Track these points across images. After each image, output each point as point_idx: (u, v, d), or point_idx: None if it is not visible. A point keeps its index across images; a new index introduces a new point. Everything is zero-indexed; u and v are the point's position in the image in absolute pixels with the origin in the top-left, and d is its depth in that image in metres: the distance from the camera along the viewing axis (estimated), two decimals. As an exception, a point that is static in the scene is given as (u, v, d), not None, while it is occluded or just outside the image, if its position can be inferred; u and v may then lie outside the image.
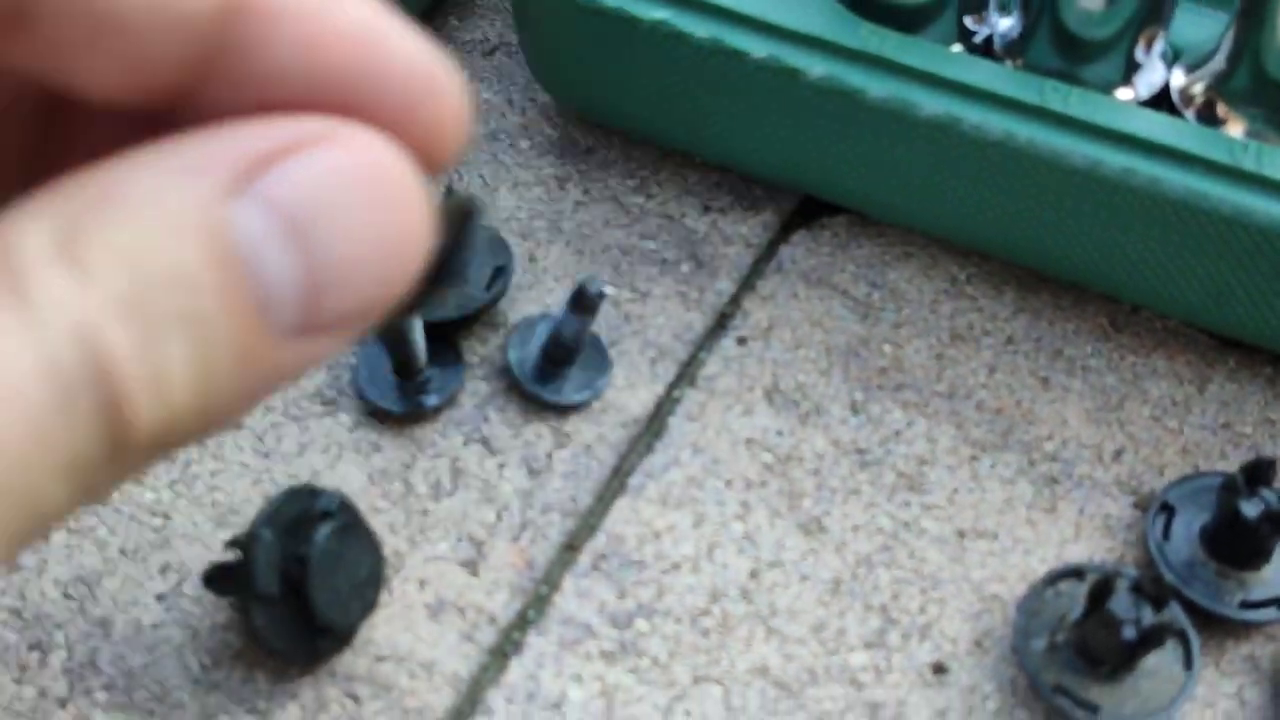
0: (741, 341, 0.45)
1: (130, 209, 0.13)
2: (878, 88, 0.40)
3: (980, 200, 0.42)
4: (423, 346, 0.42)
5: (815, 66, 0.40)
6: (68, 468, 0.13)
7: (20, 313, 0.12)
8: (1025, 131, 0.39)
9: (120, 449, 0.13)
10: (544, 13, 0.44)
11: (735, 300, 0.45)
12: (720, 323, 0.45)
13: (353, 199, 0.14)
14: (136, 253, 0.13)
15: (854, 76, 0.40)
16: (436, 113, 0.15)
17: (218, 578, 0.37)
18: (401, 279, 0.15)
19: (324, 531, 0.36)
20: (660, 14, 0.42)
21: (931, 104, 0.40)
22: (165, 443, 0.14)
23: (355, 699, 0.38)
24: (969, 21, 0.43)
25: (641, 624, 0.39)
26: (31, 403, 0.12)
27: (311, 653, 0.37)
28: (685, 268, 0.46)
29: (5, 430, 0.12)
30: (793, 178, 0.45)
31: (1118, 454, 0.42)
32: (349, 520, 0.37)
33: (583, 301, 0.41)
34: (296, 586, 0.36)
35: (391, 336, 0.42)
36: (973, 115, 0.40)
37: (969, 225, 0.43)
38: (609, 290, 0.45)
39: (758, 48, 0.41)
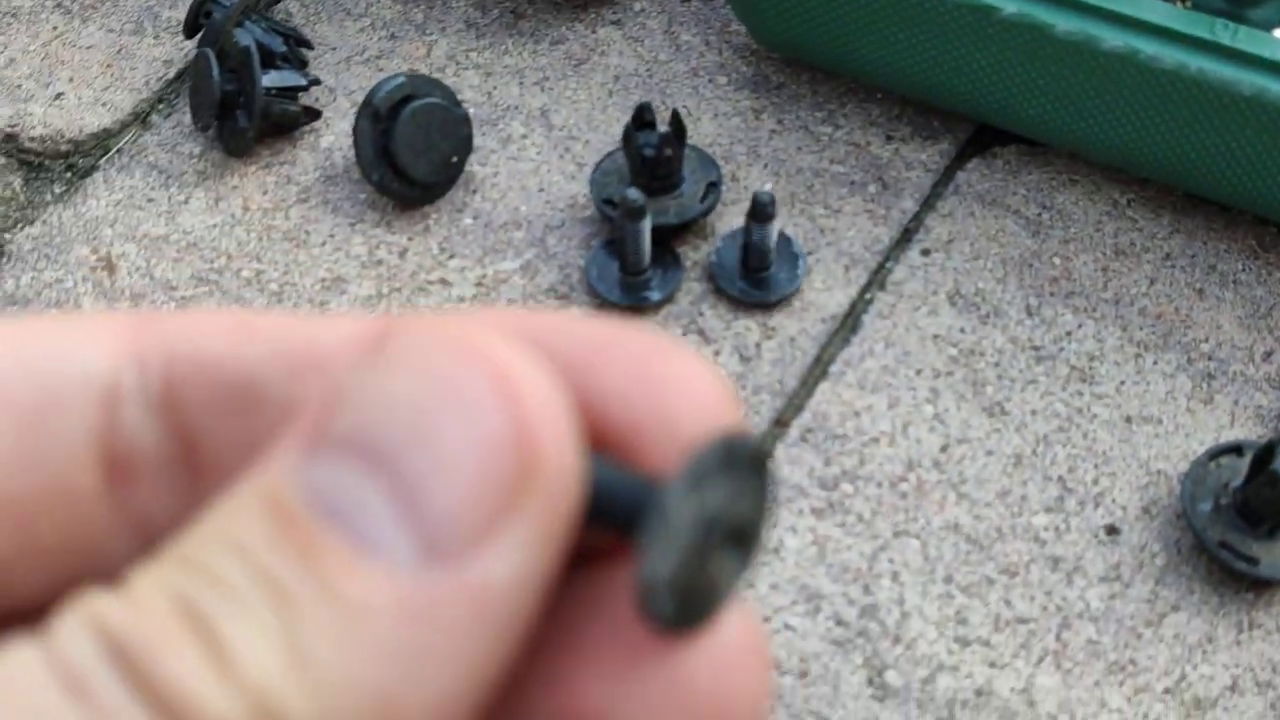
0: (925, 253, 0.50)
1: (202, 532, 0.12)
2: (1064, 23, 0.45)
3: (1149, 127, 0.47)
4: (648, 249, 0.48)
5: (1008, 4, 0.46)
6: None
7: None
8: (1196, 63, 0.44)
9: None
10: (756, -43, 0.50)
11: (918, 217, 0.51)
12: (905, 236, 0.50)
13: (431, 409, 0.12)
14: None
15: (1043, 13, 0.45)
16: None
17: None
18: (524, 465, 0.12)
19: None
20: (868, -44, 0.47)
21: (1112, 38, 0.45)
22: None
23: (601, 541, 0.44)
24: (1142, -32, 0.48)
25: (846, 487, 0.45)
26: None
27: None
28: (872, 189, 0.52)
29: None
30: (975, 108, 0.50)
31: (1267, 355, 0.47)
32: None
33: (756, 209, 0.47)
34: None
35: (623, 237, 0.48)
36: (1149, 48, 0.45)
37: (1136, 151, 0.48)
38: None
39: (957, -14, 0.46)
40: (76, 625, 0.12)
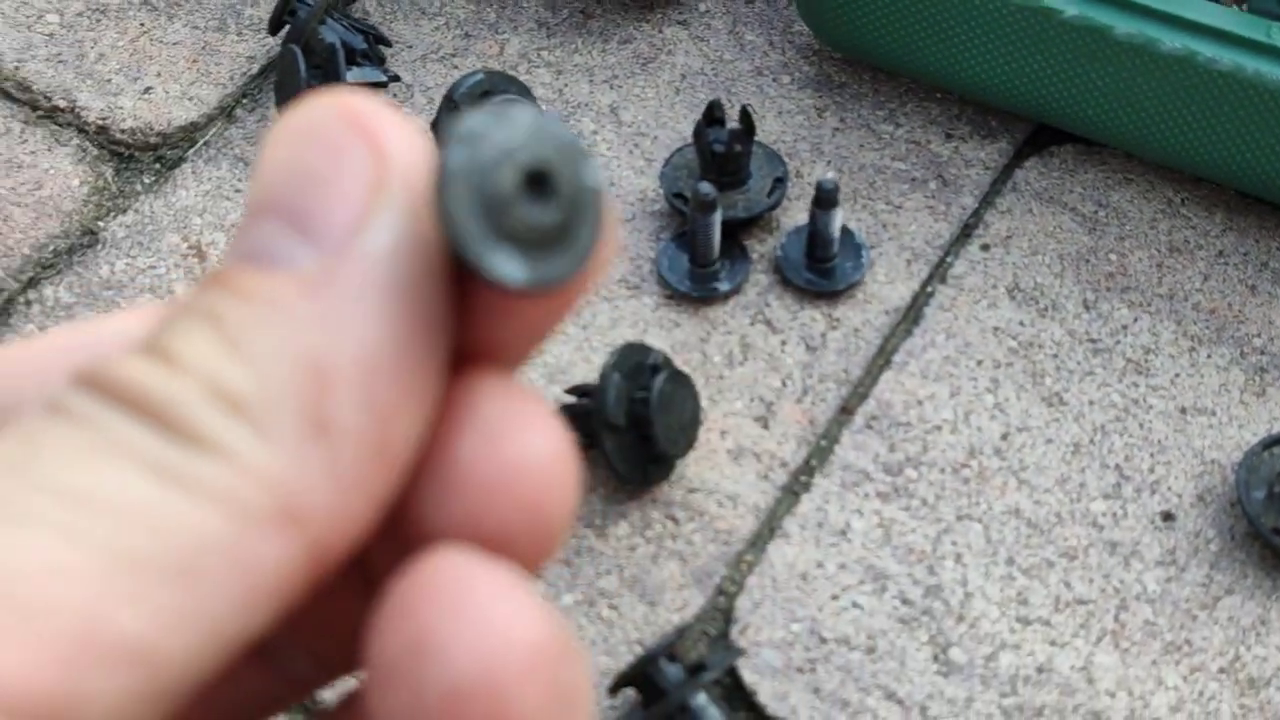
0: (985, 248, 0.52)
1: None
2: (1124, 25, 0.47)
3: (1205, 128, 0.48)
4: (718, 241, 0.50)
5: (1069, 7, 0.47)
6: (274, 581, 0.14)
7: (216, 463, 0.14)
8: (1253, 65, 0.46)
9: (321, 554, 0.14)
10: (823, -39, 0.51)
11: (977, 214, 0.53)
12: (965, 232, 0.52)
13: (306, 155, 0.15)
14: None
15: (1103, 15, 0.47)
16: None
17: (564, 418, 0.45)
18: None
19: (662, 376, 0.44)
20: (935, -39, 0.49)
21: (1171, 40, 0.47)
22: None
23: (674, 520, 0.45)
24: (1200, -27, 0.50)
25: (910, 472, 0.46)
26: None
27: (643, 479, 0.45)
28: (932, 185, 0.53)
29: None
30: (1034, 108, 0.52)
31: (1319, 350, 0.49)
32: (675, 372, 0.45)
33: (820, 196, 0.49)
34: (639, 421, 0.44)
35: (693, 230, 0.49)
36: (1207, 50, 0.46)
37: (1191, 151, 0.50)
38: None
39: (1021, -10, 0.48)
40: (65, 384, 0.15)
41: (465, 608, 0.14)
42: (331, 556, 0.14)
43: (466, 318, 0.15)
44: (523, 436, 0.15)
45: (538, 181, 0.15)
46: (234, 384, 0.14)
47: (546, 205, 0.15)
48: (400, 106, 0.55)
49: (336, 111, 0.15)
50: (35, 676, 0.12)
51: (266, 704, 0.17)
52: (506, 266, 0.15)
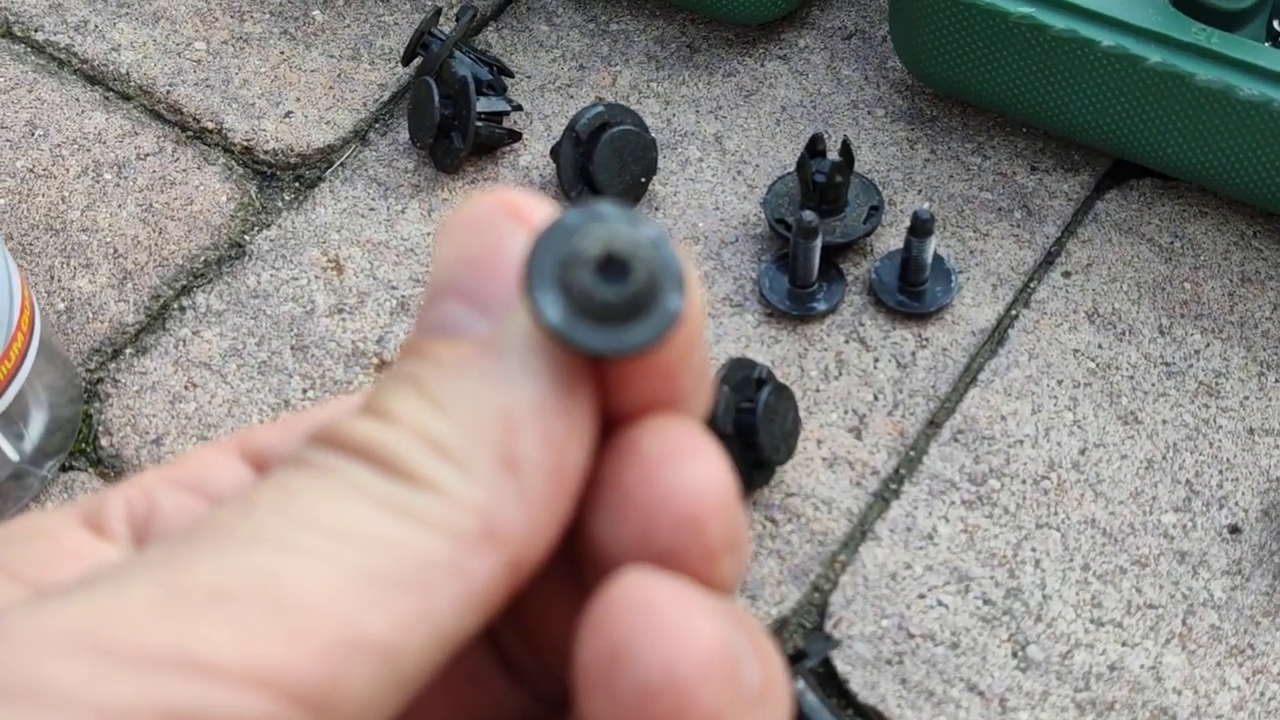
0: (1066, 275, 0.55)
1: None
2: (1204, 73, 0.50)
3: (1277, 165, 0.52)
4: (817, 264, 0.54)
5: (1153, 55, 0.51)
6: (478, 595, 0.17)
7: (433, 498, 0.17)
8: (1324, 111, 0.49)
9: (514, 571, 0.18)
10: (920, 7, 0.55)
11: (1059, 242, 0.56)
12: (1048, 259, 0.56)
13: (464, 245, 0.19)
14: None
15: (1185, 63, 0.51)
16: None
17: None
18: None
19: (767, 389, 0.48)
20: (1026, 9, 0.53)
21: (1248, 87, 0.50)
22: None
23: (774, 521, 0.49)
24: (1277, 24, 0.53)
25: (993, 482, 0.50)
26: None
27: (747, 484, 0.49)
28: (1018, 215, 0.57)
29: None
30: (1115, 145, 0.55)
31: (1382, 377, 0.52)
32: (778, 385, 0.49)
33: (917, 225, 0.52)
34: (745, 430, 0.48)
35: (795, 254, 0.53)
36: (1281, 96, 0.50)
37: (1264, 187, 0.53)
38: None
39: (1106, 38, 0.51)
40: (304, 444, 0.18)
41: (650, 618, 0.17)
42: (525, 569, 0.18)
43: (605, 378, 0.19)
44: (681, 465, 0.18)
45: (613, 264, 0.17)
46: (439, 433, 0.18)
47: (620, 285, 0.17)
48: (523, 135, 0.59)
49: (496, 203, 0.19)
50: (305, 667, 0.16)
51: (523, 717, 0.21)
52: (586, 337, 0.17)
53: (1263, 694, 0.45)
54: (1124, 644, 0.46)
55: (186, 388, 0.54)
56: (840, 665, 0.47)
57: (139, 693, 0.15)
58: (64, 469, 0.52)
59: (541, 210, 0.19)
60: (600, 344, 0.17)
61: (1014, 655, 0.46)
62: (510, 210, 0.19)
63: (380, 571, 0.17)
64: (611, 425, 0.19)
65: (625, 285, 0.17)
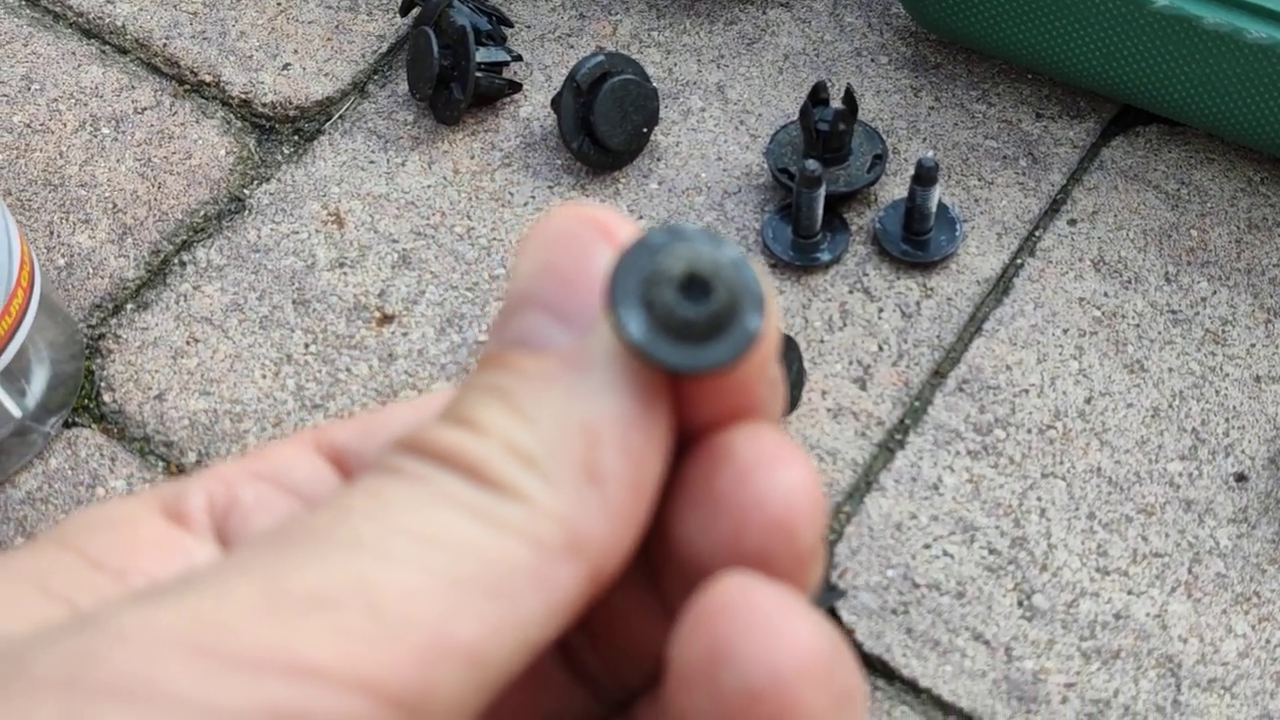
0: (1072, 223, 0.55)
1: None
2: (1212, 16, 0.50)
3: (1286, 112, 0.51)
4: (820, 214, 0.53)
5: (1159, -3, 0.50)
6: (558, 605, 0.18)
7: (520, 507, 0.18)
8: (1333, 54, 0.49)
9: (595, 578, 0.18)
10: (924, -50, 0.55)
11: (1065, 190, 0.56)
12: (1053, 207, 0.55)
13: (544, 259, 0.19)
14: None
15: (1192, 6, 0.50)
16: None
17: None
18: None
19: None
20: (1031, -48, 0.52)
21: (1256, 30, 0.49)
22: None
23: (779, 473, 0.49)
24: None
25: (999, 432, 0.50)
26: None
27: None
28: (1023, 163, 0.57)
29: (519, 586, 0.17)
30: (1121, 90, 0.55)
31: (1390, 323, 0.51)
32: (783, 336, 0.49)
33: (921, 173, 0.52)
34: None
35: (798, 204, 0.53)
36: (1290, 40, 0.49)
37: (1272, 132, 0.52)
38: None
39: (1112, -19, 0.51)
40: (390, 451, 0.19)
41: (754, 621, 0.17)
42: (605, 577, 0.18)
43: (683, 391, 0.19)
44: (771, 471, 0.18)
45: (695, 284, 0.18)
46: (525, 444, 0.18)
47: (701, 303, 0.18)
48: (523, 86, 0.59)
49: (581, 218, 0.19)
50: (402, 672, 0.16)
51: (585, 718, 0.21)
52: (667, 354, 0.18)
53: (1268, 641, 0.45)
54: (1129, 592, 0.46)
55: (188, 343, 0.53)
56: (846, 615, 0.47)
57: (246, 694, 0.16)
58: (67, 425, 0.51)
59: (626, 227, 0.19)
60: (681, 361, 0.18)
61: (1019, 604, 0.46)
62: (595, 226, 0.19)
63: (469, 578, 0.17)
64: (688, 435, 0.19)
65: (707, 304, 0.18)
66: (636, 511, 0.18)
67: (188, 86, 0.61)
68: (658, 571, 0.20)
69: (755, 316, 0.18)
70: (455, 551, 0.17)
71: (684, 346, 0.18)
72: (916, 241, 0.54)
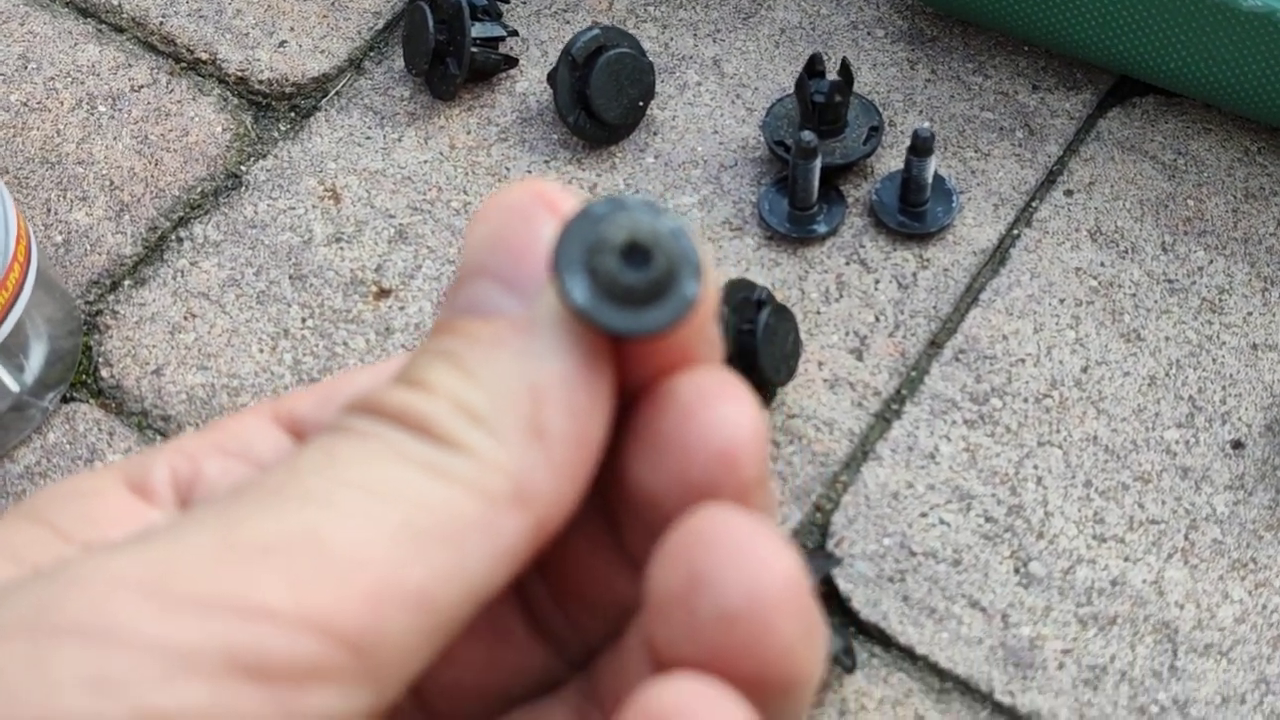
0: (1068, 193, 0.55)
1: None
2: (1207, -17, 0.50)
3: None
4: (816, 187, 0.53)
5: (1155, -35, 0.50)
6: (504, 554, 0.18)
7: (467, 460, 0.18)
8: (1329, 21, 0.49)
9: (537, 530, 0.19)
10: (919, -79, 0.54)
11: (1061, 161, 0.56)
12: (1050, 178, 0.55)
13: (496, 229, 0.20)
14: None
15: (1187, -26, 0.50)
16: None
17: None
18: None
19: (766, 310, 0.48)
20: (1026, -79, 0.52)
21: (1251, -3, 0.49)
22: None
23: (775, 443, 0.49)
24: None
25: (995, 402, 0.50)
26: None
27: (747, 405, 0.49)
28: (1019, 134, 0.56)
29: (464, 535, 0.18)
30: (1117, 61, 0.55)
31: (1387, 291, 0.51)
32: (778, 306, 0.49)
33: (917, 143, 0.52)
34: (745, 352, 0.47)
35: (794, 176, 0.53)
36: (1285, 7, 0.49)
37: (1269, 101, 0.52)
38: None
39: (1107, -51, 0.51)
40: (342, 412, 0.20)
41: (731, 548, 0.18)
42: (549, 529, 0.19)
43: (625, 352, 0.20)
44: (711, 406, 0.19)
45: (636, 251, 0.19)
46: (474, 402, 0.19)
47: (642, 270, 0.19)
48: (519, 61, 0.59)
49: (528, 192, 0.20)
50: (350, 613, 0.17)
51: (547, 676, 0.22)
52: (610, 318, 0.19)
53: (1264, 607, 0.45)
54: (1126, 559, 0.46)
55: (185, 318, 0.54)
56: (842, 584, 0.47)
57: (203, 634, 0.16)
58: (65, 400, 0.52)
59: (569, 200, 0.20)
60: (623, 324, 0.19)
61: (1016, 572, 0.46)
62: (541, 199, 0.20)
63: (418, 526, 0.18)
64: (633, 389, 0.20)
65: (647, 271, 0.19)
66: (580, 466, 0.19)
67: (184, 64, 0.61)
68: (616, 519, 0.21)
69: (693, 283, 0.19)
70: (404, 502, 0.18)
71: (625, 311, 0.19)
72: (913, 213, 0.54)
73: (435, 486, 0.18)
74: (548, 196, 0.20)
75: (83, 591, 0.17)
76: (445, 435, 0.18)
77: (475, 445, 0.18)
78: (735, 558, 0.18)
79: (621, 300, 0.19)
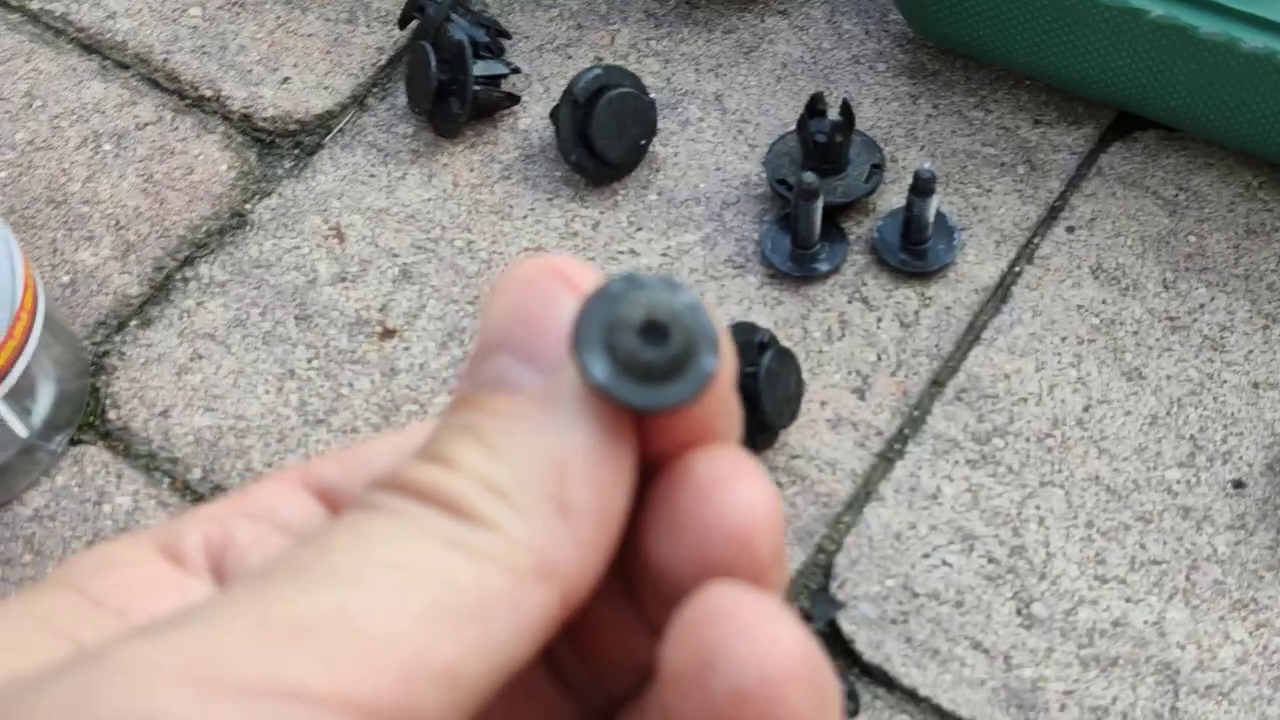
0: (1070, 230, 0.55)
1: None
2: (1207, 25, 0.50)
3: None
4: (818, 225, 0.54)
5: (1155, 7, 0.50)
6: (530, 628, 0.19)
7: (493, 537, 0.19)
8: (1328, 61, 0.49)
9: (561, 605, 0.19)
10: (919, -41, 0.55)
11: (1063, 197, 0.56)
12: (1051, 214, 0.55)
13: (512, 305, 0.20)
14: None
15: (1187, 16, 0.50)
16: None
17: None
18: None
19: (769, 353, 0.48)
20: (1026, -39, 0.52)
21: (1251, 39, 0.49)
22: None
23: (778, 484, 0.50)
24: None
25: (997, 441, 0.50)
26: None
27: (751, 447, 0.49)
28: (1020, 170, 0.57)
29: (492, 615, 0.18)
30: (1118, 97, 0.55)
31: (1387, 328, 0.51)
32: (780, 349, 0.49)
33: (918, 184, 0.52)
34: (748, 394, 0.48)
35: (796, 215, 0.53)
36: (1284, 47, 0.49)
37: (1268, 139, 0.52)
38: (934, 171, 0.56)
39: (1107, -10, 0.51)
40: (369, 488, 0.20)
41: (741, 626, 0.18)
42: (574, 600, 0.19)
43: (646, 426, 0.20)
44: (728, 488, 0.20)
45: (654, 329, 0.19)
46: (496, 477, 0.19)
47: (660, 347, 0.19)
48: (522, 98, 0.59)
49: (546, 268, 0.20)
50: (384, 693, 0.17)
51: None
52: (630, 394, 0.19)
53: (1266, 648, 0.45)
54: (1128, 600, 0.47)
55: (192, 359, 0.54)
56: (845, 626, 0.47)
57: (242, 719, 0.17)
58: (73, 443, 0.52)
59: (586, 274, 0.20)
60: (642, 400, 0.19)
61: (1018, 613, 0.47)
62: (558, 275, 0.20)
63: (446, 604, 0.18)
64: (654, 462, 0.20)
65: (665, 348, 0.19)
66: (603, 539, 0.20)
67: (188, 101, 0.61)
68: (636, 587, 0.21)
69: (710, 357, 0.19)
70: (432, 579, 0.18)
71: (645, 387, 0.19)
72: (915, 251, 0.54)
73: (462, 563, 0.18)
74: (564, 271, 0.20)
75: (123, 678, 0.17)
76: (471, 511, 0.19)
77: (500, 521, 0.19)
78: (745, 636, 0.18)
79: (641, 376, 0.19)
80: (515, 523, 0.19)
